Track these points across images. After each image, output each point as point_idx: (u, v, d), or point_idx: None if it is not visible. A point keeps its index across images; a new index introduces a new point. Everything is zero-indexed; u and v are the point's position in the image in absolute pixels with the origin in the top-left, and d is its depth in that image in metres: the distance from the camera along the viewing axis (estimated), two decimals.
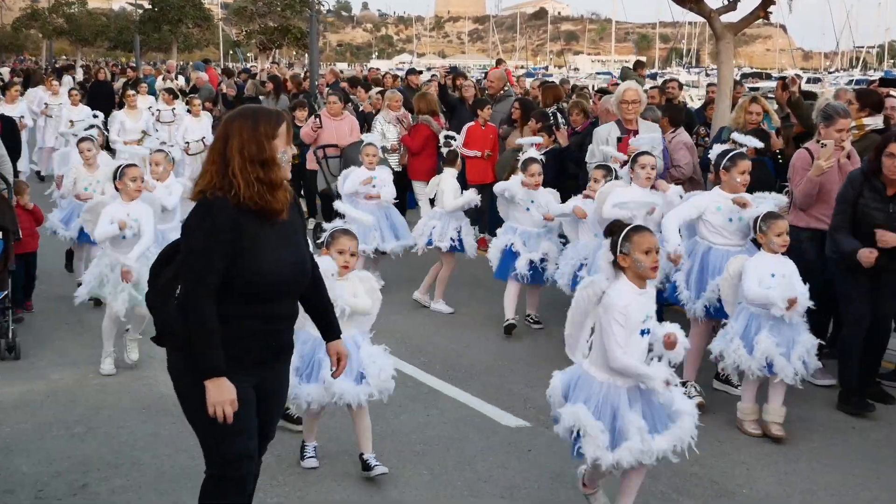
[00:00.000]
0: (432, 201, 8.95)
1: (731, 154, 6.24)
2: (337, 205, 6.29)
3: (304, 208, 12.01)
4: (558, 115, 10.26)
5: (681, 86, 12.57)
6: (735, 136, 6.82)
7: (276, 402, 3.75)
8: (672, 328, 4.32)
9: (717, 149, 6.43)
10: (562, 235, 7.89)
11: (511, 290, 7.84)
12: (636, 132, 7.71)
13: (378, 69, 21.40)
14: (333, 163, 11.03)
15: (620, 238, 4.23)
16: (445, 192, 8.49)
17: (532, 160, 7.80)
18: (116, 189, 6.76)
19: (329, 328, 3.92)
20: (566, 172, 8.91)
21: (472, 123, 10.83)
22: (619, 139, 7.82)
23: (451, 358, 7.21)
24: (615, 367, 4.18)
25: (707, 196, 6.37)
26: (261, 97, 16.37)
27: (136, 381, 6.52)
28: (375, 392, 4.90)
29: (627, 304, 4.18)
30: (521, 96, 12.17)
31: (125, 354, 6.82)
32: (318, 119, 11.25)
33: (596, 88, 17.86)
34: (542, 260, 7.71)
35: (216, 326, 3.35)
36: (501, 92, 12.06)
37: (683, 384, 6.20)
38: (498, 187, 7.96)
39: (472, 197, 8.41)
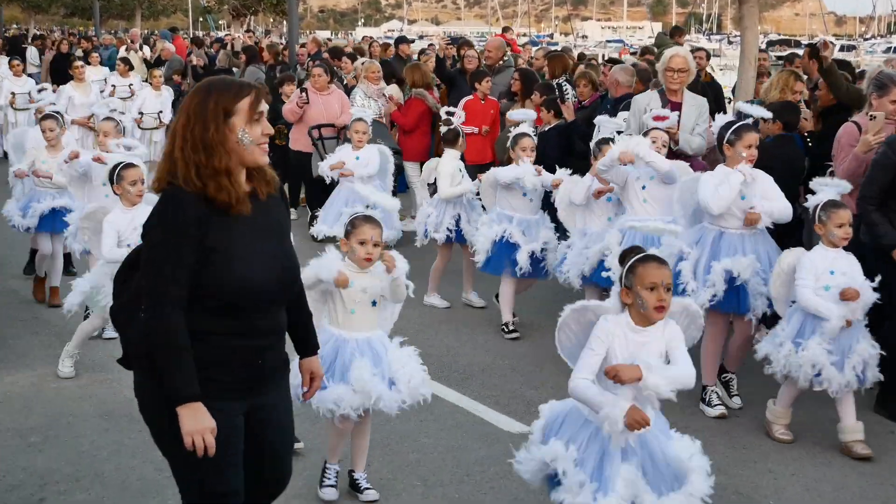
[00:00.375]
0: (435, 186, 8.79)
1: (735, 126, 6.09)
2: (359, 188, 6.05)
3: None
4: (568, 86, 10.22)
5: (709, 55, 12.42)
6: (740, 105, 6.66)
7: (277, 432, 3.54)
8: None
9: (720, 120, 6.26)
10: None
11: (508, 288, 7.76)
12: (679, 105, 7.53)
13: (371, 37, 21.12)
14: (330, 144, 10.76)
15: (625, 269, 4.02)
16: (441, 176, 8.33)
17: (523, 135, 7.69)
18: (115, 193, 6.51)
19: (305, 342, 3.74)
20: (573, 151, 8.88)
21: (470, 97, 10.76)
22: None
23: (446, 357, 7.22)
24: (569, 389, 4.03)
25: (714, 174, 6.17)
26: (234, 69, 16.34)
27: (98, 384, 6.52)
28: (408, 400, 4.75)
29: (615, 339, 3.97)
30: (522, 67, 12.14)
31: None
32: (304, 93, 10.96)
33: (606, 58, 17.85)
34: (542, 250, 7.62)
35: (186, 339, 3.17)
36: (501, 62, 12.02)
37: (703, 389, 6.21)
38: (496, 174, 7.77)
39: (469, 188, 8.28)
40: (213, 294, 3.21)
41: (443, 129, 8.88)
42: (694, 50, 12.05)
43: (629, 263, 4.01)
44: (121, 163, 6.48)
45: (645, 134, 6.84)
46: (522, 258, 7.52)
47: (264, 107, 3.31)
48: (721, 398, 6.20)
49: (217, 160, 3.20)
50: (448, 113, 9.03)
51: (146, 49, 21.54)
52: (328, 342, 4.69)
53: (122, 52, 20.22)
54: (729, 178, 5.97)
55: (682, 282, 6.02)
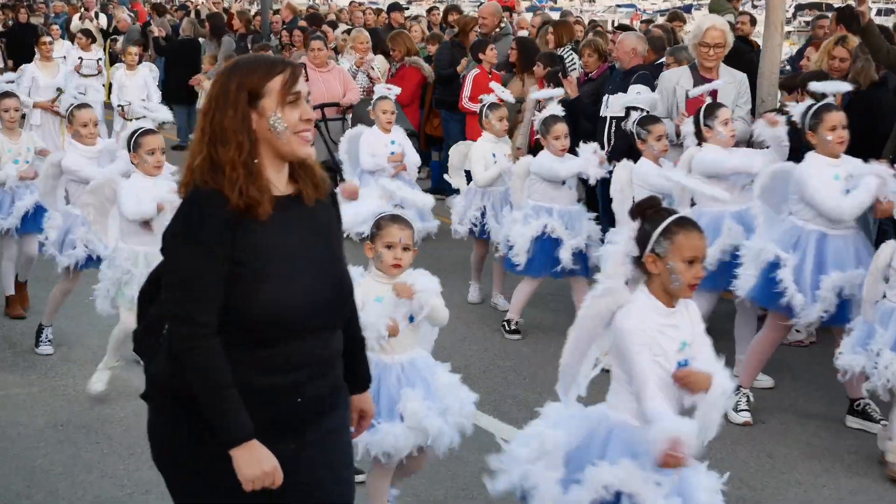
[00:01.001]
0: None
1: (814, 108, 5.99)
2: (386, 183, 5.66)
3: None
4: (574, 56, 10.20)
5: (753, 21, 12.28)
6: (813, 84, 6.50)
7: (327, 480, 3.17)
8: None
9: (799, 107, 6.13)
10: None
11: (529, 288, 7.64)
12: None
13: (361, 2, 20.62)
14: (334, 126, 10.61)
15: (658, 231, 3.63)
16: (474, 161, 8.10)
17: (555, 118, 7.49)
18: (132, 163, 6.28)
19: (355, 375, 3.35)
20: (578, 131, 8.84)
21: (477, 71, 10.68)
22: (688, 93, 7.40)
23: (440, 357, 7.05)
24: (646, 416, 3.59)
25: (811, 165, 5.95)
26: (200, 39, 16.29)
27: (51, 392, 6.52)
28: (456, 436, 4.57)
29: (647, 329, 3.62)
30: (520, 36, 12.14)
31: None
32: (303, 70, 10.88)
33: (616, 24, 17.82)
34: (587, 245, 7.43)
35: (228, 373, 2.90)
36: (497, 30, 11.99)
37: (735, 391, 6.19)
38: (531, 165, 7.53)
39: (505, 166, 8.00)
40: (237, 320, 2.93)
41: (469, 106, 8.63)
42: (738, 14, 11.93)
43: (666, 225, 3.62)
44: (139, 129, 6.31)
45: (709, 113, 6.57)
46: (566, 255, 7.31)
47: (302, 87, 3.04)
48: (751, 405, 6.17)
49: (235, 151, 2.92)
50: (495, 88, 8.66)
51: (102, 17, 21.43)
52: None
53: (75, 21, 20.13)
54: (866, 184, 5.81)
55: (786, 295, 5.88)
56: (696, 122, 6.66)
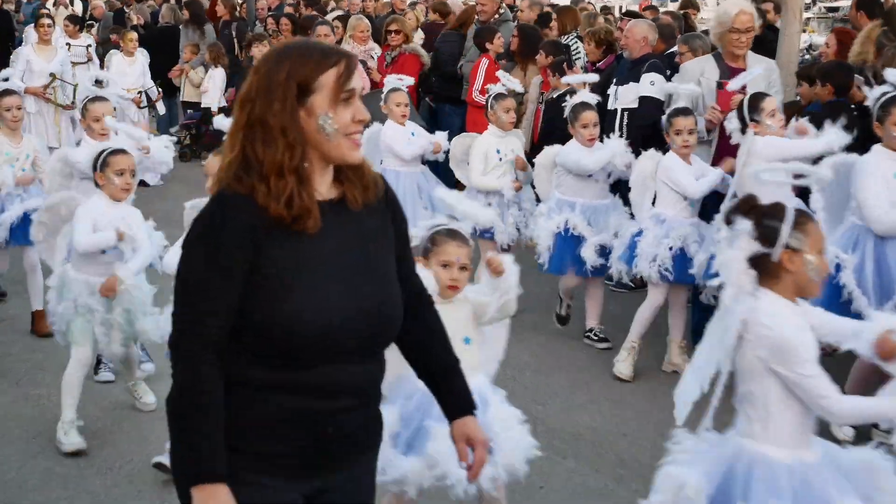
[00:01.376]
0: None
1: (883, 99, 5.90)
2: (446, 196, 5.37)
3: None
4: (579, 44, 10.19)
5: (777, 8, 12.29)
6: (889, 72, 6.25)
7: None
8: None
9: (875, 92, 6.03)
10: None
11: (570, 279, 7.61)
12: (741, 72, 7.08)
13: None
14: None
15: (790, 224, 3.51)
16: (473, 156, 8.00)
17: (585, 105, 7.39)
18: (97, 184, 6.08)
19: (451, 397, 3.12)
20: None
21: (487, 61, 10.62)
22: (718, 84, 7.23)
23: None
24: (844, 418, 3.66)
25: (871, 160, 5.90)
26: (181, 27, 16.30)
27: (24, 402, 6.51)
28: (503, 473, 4.26)
29: (800, 332, 3.52)
30: (523, 23, 12.12)
31: (137, 400, 6.36)
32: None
33: (624, 10, 17.79)
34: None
35: (217, 397, 2.71)
36: (496, 16, 11.99)
37: None
38: (556, 157, 7.45)
39: (504, 185, 7.89)
40: (256, 331, 2.74)
41: (479, 99, 8.59)
42: (761, 1, 11.90)
43: (795, 218, 3.53)
44: (108, 148, 6.08)
45: (753, 105, 6.46)
46: (588, 253, 7.25)
47: (357, 83, 2.80)
48: None
49: (285, 153, 2.72)
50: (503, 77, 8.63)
51: (77, 4, 21.43)
52: (412, 397, 4.19)
53: (48, 8, 20.12)
54: None
55: (853, 301, 5.79)
56: (741, 119, 6.53)
